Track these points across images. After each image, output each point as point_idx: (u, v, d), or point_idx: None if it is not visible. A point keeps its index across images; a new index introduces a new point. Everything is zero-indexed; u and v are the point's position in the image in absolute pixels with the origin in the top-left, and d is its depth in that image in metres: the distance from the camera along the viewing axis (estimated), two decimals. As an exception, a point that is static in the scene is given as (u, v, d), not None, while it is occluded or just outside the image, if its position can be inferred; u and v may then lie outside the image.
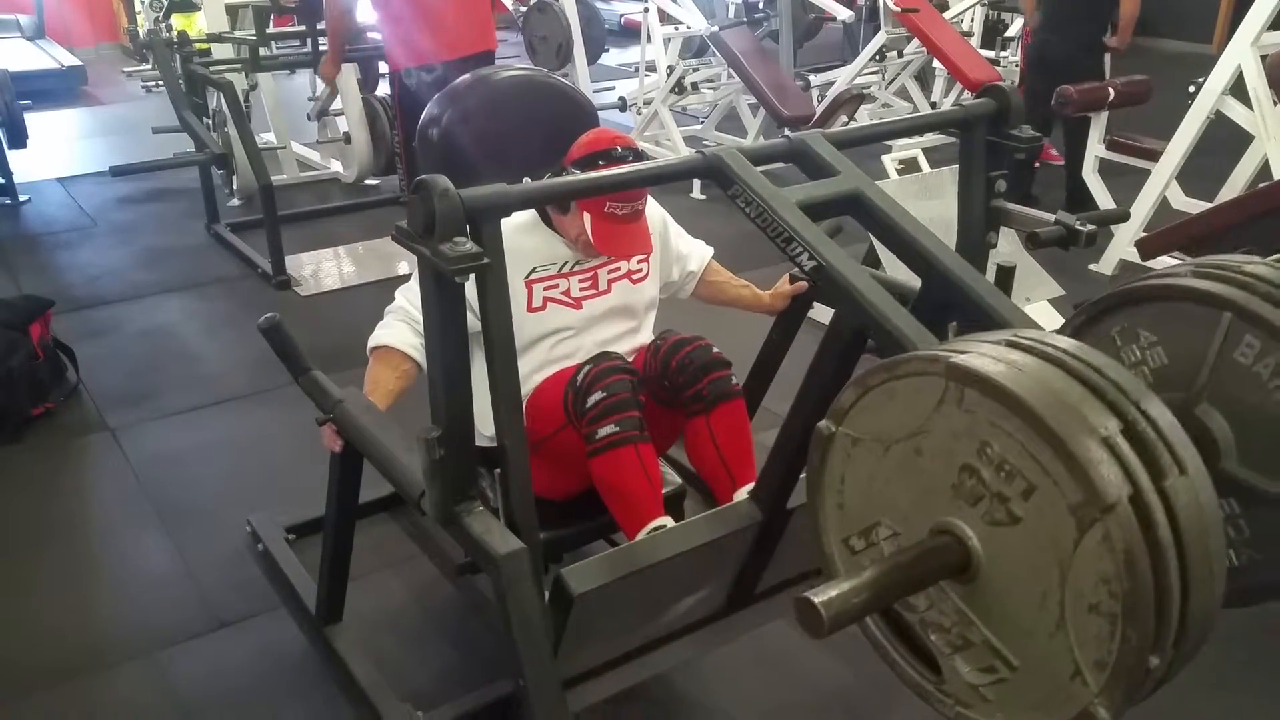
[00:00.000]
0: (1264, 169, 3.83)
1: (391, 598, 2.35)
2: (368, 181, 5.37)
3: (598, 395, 1.72)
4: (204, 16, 5.76)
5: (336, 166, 5.60)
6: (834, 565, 1.04)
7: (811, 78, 6.34)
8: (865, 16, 7.14)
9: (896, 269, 2.13)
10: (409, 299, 1.86)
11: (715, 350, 1.86)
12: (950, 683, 0.95)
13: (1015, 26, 6.35)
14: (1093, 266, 4.19)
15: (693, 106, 6.23)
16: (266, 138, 5.47)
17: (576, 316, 1.90)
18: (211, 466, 2.89)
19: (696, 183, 5.14)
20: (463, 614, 2.30)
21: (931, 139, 5.33)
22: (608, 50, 7.64)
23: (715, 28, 5.74)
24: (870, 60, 6.02)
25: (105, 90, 7.99)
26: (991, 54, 6.15)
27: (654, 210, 1.99)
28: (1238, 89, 3.94)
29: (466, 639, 2.22)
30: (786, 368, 2.15)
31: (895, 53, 6.04)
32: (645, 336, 2.01)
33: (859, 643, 1.03)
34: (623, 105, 6.19)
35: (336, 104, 5.13)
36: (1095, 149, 4.43)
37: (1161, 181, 4.11)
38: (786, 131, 1.60)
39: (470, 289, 1.34)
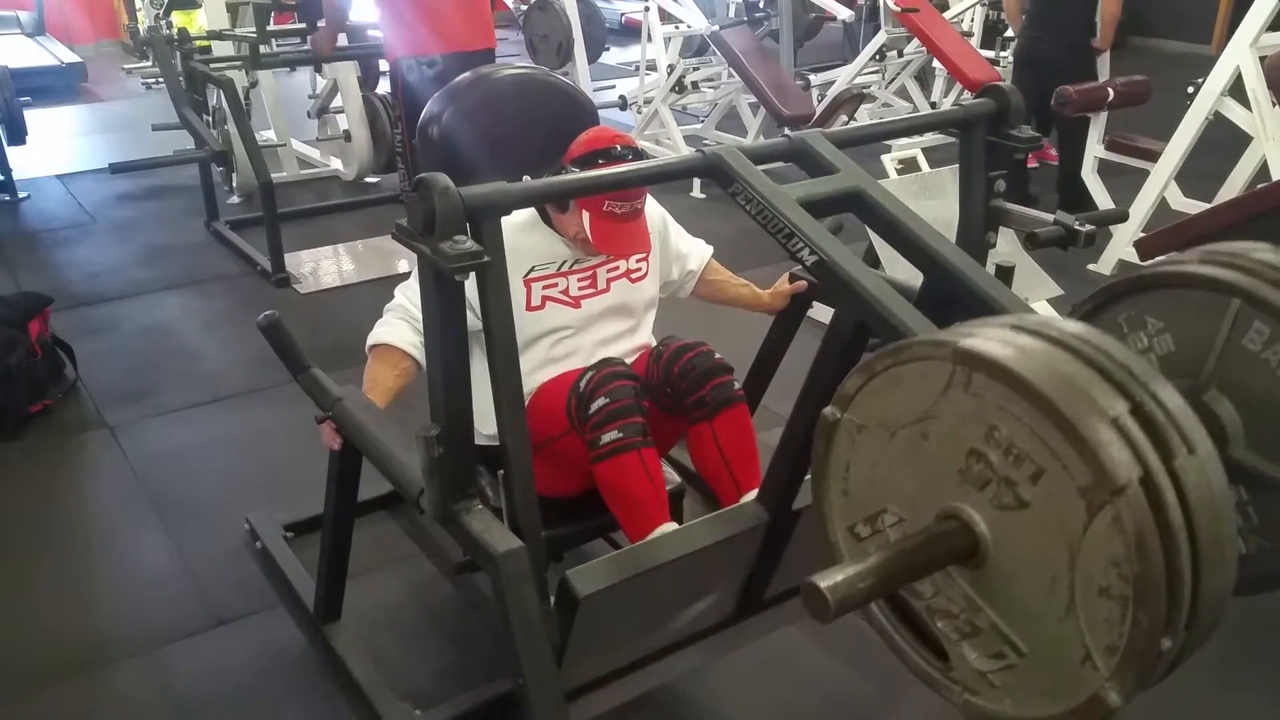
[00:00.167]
0: (1262, 170, 3.83)
1: (390, 596, 2.35)
2: (367, 179, 5.37)
3: (601, 401, 1.72)
4: (204, 14, 5.76)
5: (336, 164, 5.60)
6: (839, 553, 1.03)
7: (812, 77, 6.34)
8: (865, 16, 7.15)
9: (897, 269, 2.13)
10: (408, 297, 1.86)
11: (717, 356, 1.86)
12: (958, 670, 0.94)
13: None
14: (1091, 267, 4.19)
15: (693, 105, 6.23)
16: (266, 135, 5.47)
17: (575, 315, 1.90)
18: (210, 464, 2.89)
19: (696, 182, 5.14)
20: (462, 612, 2.30)
21: (931, 139, 5.33)
22: (608, 49, 7.64)
23: (716, 27, 5.74)
24: (870, 60, 6.02)
25: (105, 87, 7.98)
26: (991, 54, 6.15)
27: (653, 209, 1.99)
28: (1237, 90, 3.94)
29: (465, 637, 2.22)
30: (786, 367, 2.15)
31: (895, 52, 6.04)
32: (644, 336, 2.01)
33: (868, 647, 1.02)
34: (623, 104, 6.19)
35: (336, 101, 5.14)
36: (1094, 149, 4.44)
37: (1160, 182, 4.11)
38: (787, 131, 1.61)
39: (470, 287, 1.34)
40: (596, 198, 1.75)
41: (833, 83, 6.12)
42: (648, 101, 5.78)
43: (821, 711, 2.05)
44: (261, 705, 2.03)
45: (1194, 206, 3.97)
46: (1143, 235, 3.76)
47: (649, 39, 6.00)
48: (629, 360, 1.96)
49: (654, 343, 2.04)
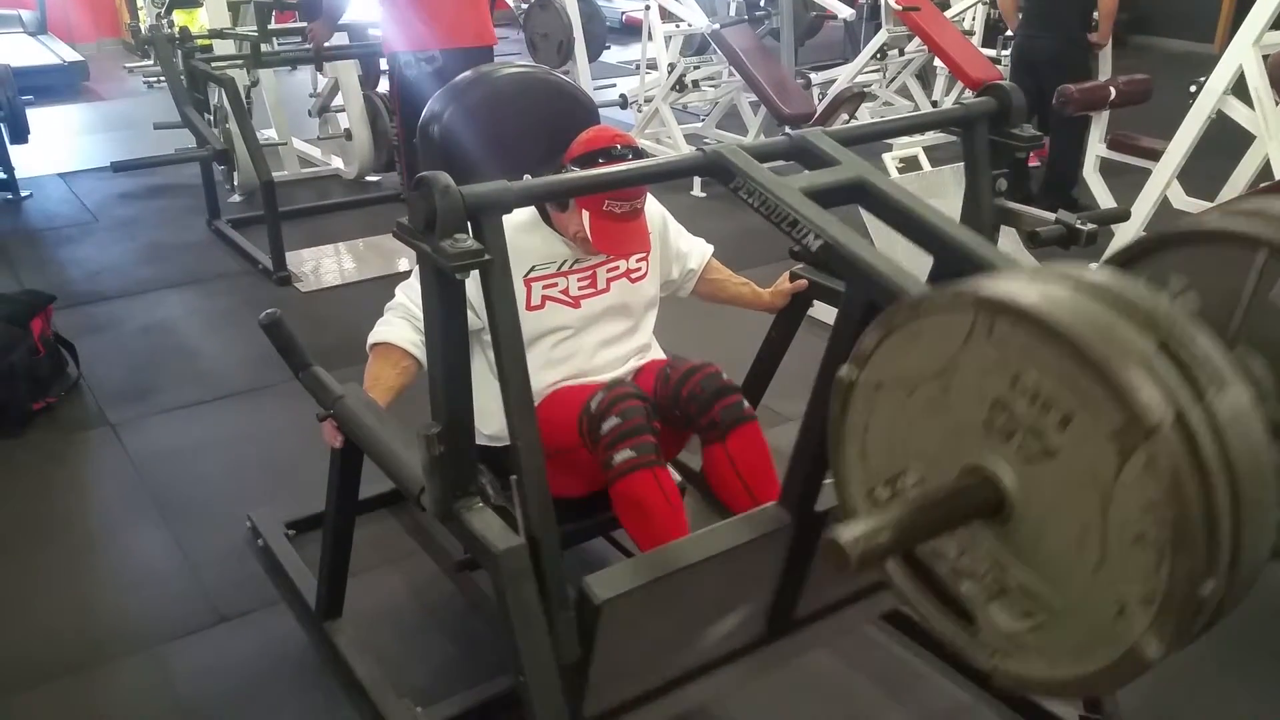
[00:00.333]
0: (1265, 169, 3.82)
1: (391, 594, 2.35)
2: (368, 178, 5.38)
3: (613, 421, 1.72)
4: (206, 12, 5.76)
5: (337, 163, 5.60)
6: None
7: (812, 76, 6.34)
8: (866, 14, 7.14)
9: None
10: (409, 296, 1.86)
11: (725, 377, 1.87)
12: (986, 632, 0.91)
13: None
14: (1093, 266, 4.18)
15: (694, 104, 6.23)
16: (268, 134, 5.47)
17: (575, 315, 1.90)
18: (212, 462, 2.90)
19: (697, 181, 5.13)
20: (462, 610, 2.30)
21: (932, 137, 5.32)
22: (609, 47, 7.65)
23: (716, 25, 5.73)
24: (871, 58, 6.01)
25: (107, 86, 7.99)
26: (992, 52, 6.14)
27: (654, 208, 1.99)
28: (1239, 89, 3.93)
29: (466, 635, 2.22)
30: (786, 366, 2.16)
31: (896, 51, 6.03)
32: (645, 336, 2.01)
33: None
34: (624, 103, 6.18)
35: (337, 100, 5.14)
36: (1096, 148, 4.43)
37: (1162, 181, 4.10)
38: (787, 129, 1.60)
39: (471, 286, 1.34)
40: (596, 197, 1.75)
41: (833, 81, 6.11)
42: (648, 100, 5.78)
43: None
44: (262, 702, 2.03)
45: (1196, 205, 3.96)
46: (1144, 234, 3.75)
47: (649, 37, 5.99)
48: (629, 361, 1.97)
49: (654, 343, 2.04)
